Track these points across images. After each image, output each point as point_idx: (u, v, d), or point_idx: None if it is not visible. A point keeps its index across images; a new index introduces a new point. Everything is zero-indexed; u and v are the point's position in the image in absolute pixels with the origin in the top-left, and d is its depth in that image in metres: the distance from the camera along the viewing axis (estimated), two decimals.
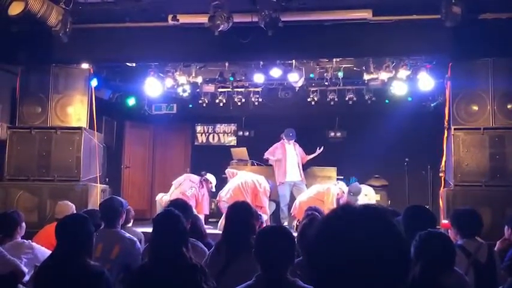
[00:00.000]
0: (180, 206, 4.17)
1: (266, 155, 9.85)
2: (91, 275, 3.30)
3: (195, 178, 9.32)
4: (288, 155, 9.70)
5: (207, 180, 9.34)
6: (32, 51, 7.97)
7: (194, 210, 8.96)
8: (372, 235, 1.21)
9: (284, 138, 9.81)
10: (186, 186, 9.07)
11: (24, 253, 4.64)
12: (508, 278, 3.49)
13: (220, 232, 3.95)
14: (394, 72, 8.94)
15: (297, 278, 2.78)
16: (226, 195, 8.85)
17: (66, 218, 3.65)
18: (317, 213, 4.43)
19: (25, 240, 4.87)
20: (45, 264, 3.50)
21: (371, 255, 1.18)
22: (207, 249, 4.20)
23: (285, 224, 8.86)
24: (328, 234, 1.25)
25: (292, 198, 9.58)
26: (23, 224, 5.02)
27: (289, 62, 9.09)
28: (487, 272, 4.12)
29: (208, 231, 5.81)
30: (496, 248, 4.70)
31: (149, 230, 3.46)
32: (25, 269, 4.42)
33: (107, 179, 9.27)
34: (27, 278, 4.41)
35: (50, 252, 3.77)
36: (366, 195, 9.19)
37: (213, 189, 9.44)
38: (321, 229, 1.28)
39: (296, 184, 9.60)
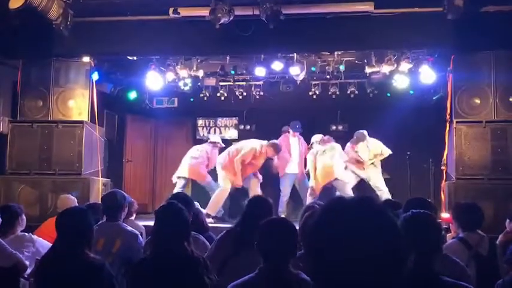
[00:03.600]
0: (182, 199, 4.17)
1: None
2: (92, 268, 3.31)
3: (202, 145, 9.89)
4: (292, 147, 9.70)
5: (213, 142, 9.75)
6: (33, 45, 7.95)
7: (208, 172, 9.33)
8: (368, 227, 1.21)
9: (290, 130, 9.80)
10: (192, 152, 9.59)
11: (26, 246, 4.65)
12: (510, 271, 3.49)
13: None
14: (396, 65, 8.90)
15: (299, 270, 2.78)
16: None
17: (65, 211, 3.65)
18: (318, 206, 4.42)
19: (26, 233, 4.88)
20: (45, 257, 3.50)
21: (367, 247, 1.18)
22: (208, 243, 4.21)
23: (283, 216, 8.86)
24: (325, 227, 1.26)
25: (294, 193, 9.59)
26: (23, 217, 5.02)
27: (291, 55, 9.07)
28: (489, 265, 4.13)
29: (210, 225, 5.82)
30: (498, 242, 4.70)
31: (151, 223, 3.46)
32: (27, 263, 4.44)
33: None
34: (28, 271, 4.42)
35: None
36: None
37: (222, 145, 9.80)
38: (318, 222, 1.28)
39: (298, 177, 9.60)
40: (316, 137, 9.48)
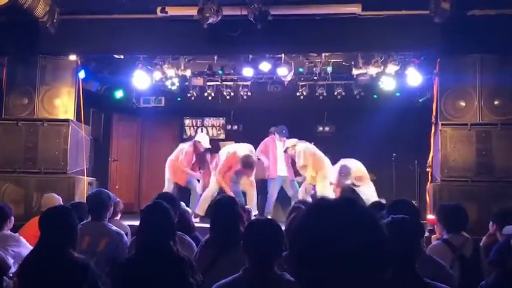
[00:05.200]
0: (168, 198, 4.16)
1: (259, 155, 9.73)
2: (76, 267, 3.29)
3: (182, 144, 9.76)
4: (278, 150, 9.66)
5: (197, 142, 9.48)
6: (19, 43, 7.87)
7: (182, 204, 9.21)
8: (352, 228, 1.22)
9: (276, 134, 9.76)
10: (175, 151, 9.53)
11: (11, 246, 4.61)
12: (493, 273, 3.53)
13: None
14: (382, 67, 8.96)
15: (284, 271, 2.78)
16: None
17: (49, 210, 3.63)
18: (303, 207, 4.43)
19: (12, 233, 4.83)
20: (29, 256, 3.48)
21: (351, 248, 1.19)
22: (194, 243, 4.20)
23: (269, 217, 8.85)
24: (309, 228, 1.27)
25: (283, 195, 9.57)
26: (12, 218, 4.98)
27: (279, 56, 9.08)
28: (472, 266, 4.17)
29: (196, 225, 5.81)
30: (481, 243, 4.74)
31: (136, 223, 3.45)
32: (11, 262, 4.39)
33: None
34: (12, 270, 4.38)
35: None
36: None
37: (208, 146, 9.56)
38: (302, 223, 1.29)
39: (287, 180, 9.57)
40: (292, 141, 9.42)
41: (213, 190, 8.95)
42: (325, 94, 10.24)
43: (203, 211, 8.77)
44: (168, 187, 9.16)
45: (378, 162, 9.63)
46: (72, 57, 8.22)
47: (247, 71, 9.34)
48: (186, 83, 10.30)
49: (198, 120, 12.16)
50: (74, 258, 3.34)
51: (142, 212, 3.35)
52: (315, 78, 9.98)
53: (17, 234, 4.87)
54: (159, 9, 7.48)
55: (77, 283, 3.27)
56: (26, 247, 4.62)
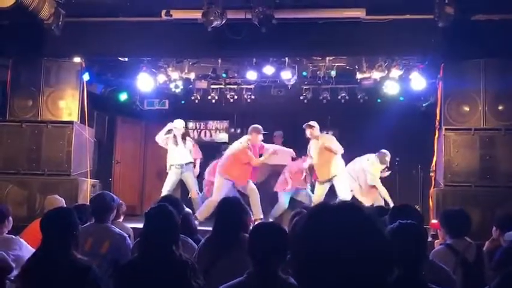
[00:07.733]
0: (172, 201, 4.16)
1: None
2: (78, 269, 3.29)
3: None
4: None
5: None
6: (24, 44, 7.91)
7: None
8: (352, 232, 1.22)
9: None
10: None
11: (12, 249, 4.60)
12: (496, 278, 3.52)
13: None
14: (386, 71, 8.96)
15: (288, 275, 2.78)
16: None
17: (50, 212, 3.63)
18: (306, 211, 4.42)
19: (13, 236, 4.83)
20: (32, 258, 3.48)
21: (351, 252, 1.19)
22: (196, 246, 4.20)
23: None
24: (310, 232, 1.27)
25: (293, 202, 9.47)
26: (10, 218, 4.97)
27: (282, 59, 9.09)
28: (475, 272, 4.16)
29: (198, 227, 5.80)
30: (484, 248, 4.73)
31: (139, 225, 3.45)
32: (13, 264, 4.39)
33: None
34: (14, 273, 4.38)
35: None
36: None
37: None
38: (304, 227, 1.29)
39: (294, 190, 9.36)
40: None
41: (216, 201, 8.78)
42: (328, 98, 10.25)
43: (203, 217, 8.58)
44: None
45: None
46: (77, 59, 8.25)
47: (251, 75, 9.35)
48: (190, 86, 10.31)
49: (202, 123, 12.18)
50: (76, 260, 3.34)
51: (147, 214, 3.34)
52: (319, 82, 10.00)
53: (17, 237, 4.86)
54: (163, 12, 7.50)
55: (79, 285, 3.27)
56: (27, 250, 4.60)
